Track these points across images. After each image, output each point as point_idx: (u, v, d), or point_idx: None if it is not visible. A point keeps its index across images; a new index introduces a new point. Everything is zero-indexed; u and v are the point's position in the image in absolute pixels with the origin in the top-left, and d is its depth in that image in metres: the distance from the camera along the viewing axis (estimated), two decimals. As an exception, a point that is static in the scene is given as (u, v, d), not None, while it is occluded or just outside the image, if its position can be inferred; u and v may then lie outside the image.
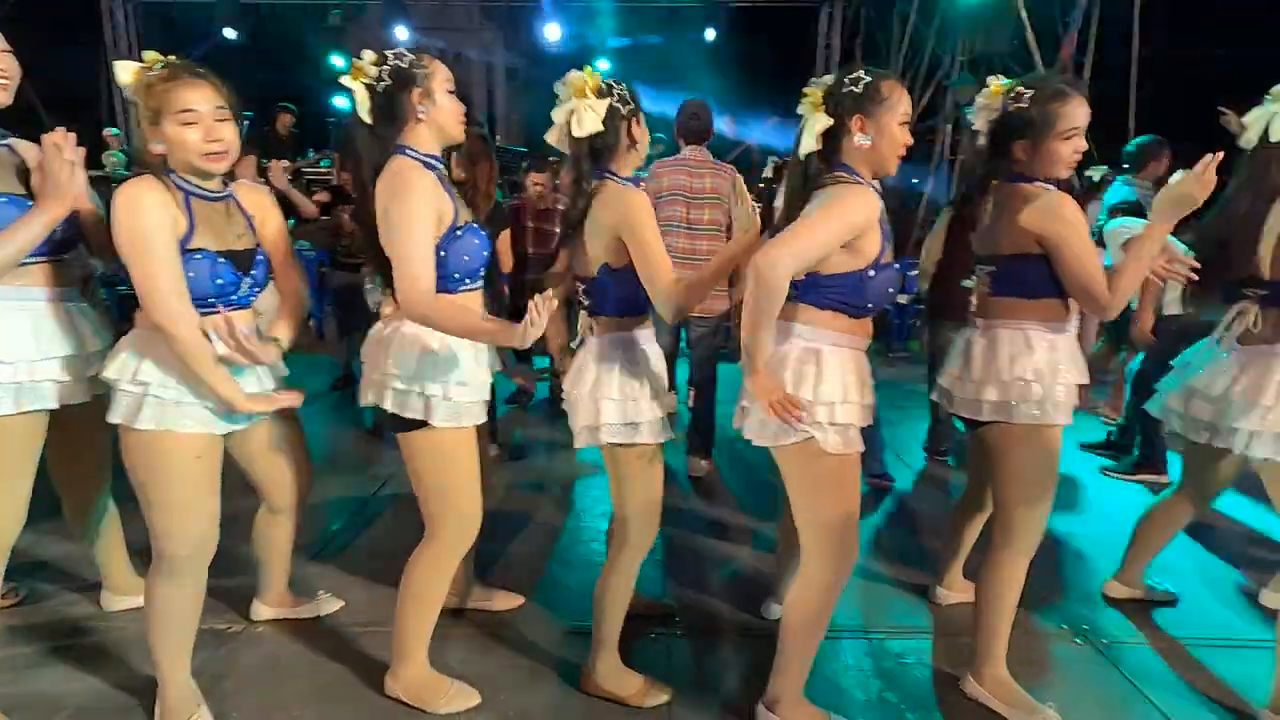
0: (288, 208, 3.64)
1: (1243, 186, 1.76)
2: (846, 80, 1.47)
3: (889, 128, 1.47)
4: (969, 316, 1.81)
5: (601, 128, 1.59)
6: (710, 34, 9.68)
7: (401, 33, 9.59)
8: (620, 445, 1.65)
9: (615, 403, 1.62)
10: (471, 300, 1.65)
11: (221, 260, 1.53)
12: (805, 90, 1.51)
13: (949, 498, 3.15)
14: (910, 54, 8.93)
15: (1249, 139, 1.74)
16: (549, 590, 2.30)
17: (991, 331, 1.71)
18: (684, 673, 1.93)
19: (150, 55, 1.48)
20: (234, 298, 1.58)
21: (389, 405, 1.59)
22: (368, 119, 1.53)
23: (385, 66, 1.51)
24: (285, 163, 6.07)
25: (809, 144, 1.49)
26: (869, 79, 1.46)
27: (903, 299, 6.04)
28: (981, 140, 1.78)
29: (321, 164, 6.71)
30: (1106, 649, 2.05)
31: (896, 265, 1.51)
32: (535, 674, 1.91)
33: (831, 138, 1.49)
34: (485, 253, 1.65)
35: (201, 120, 1.45)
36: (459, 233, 1.56)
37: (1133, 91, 7.46)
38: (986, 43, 7.58)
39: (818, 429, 1.48)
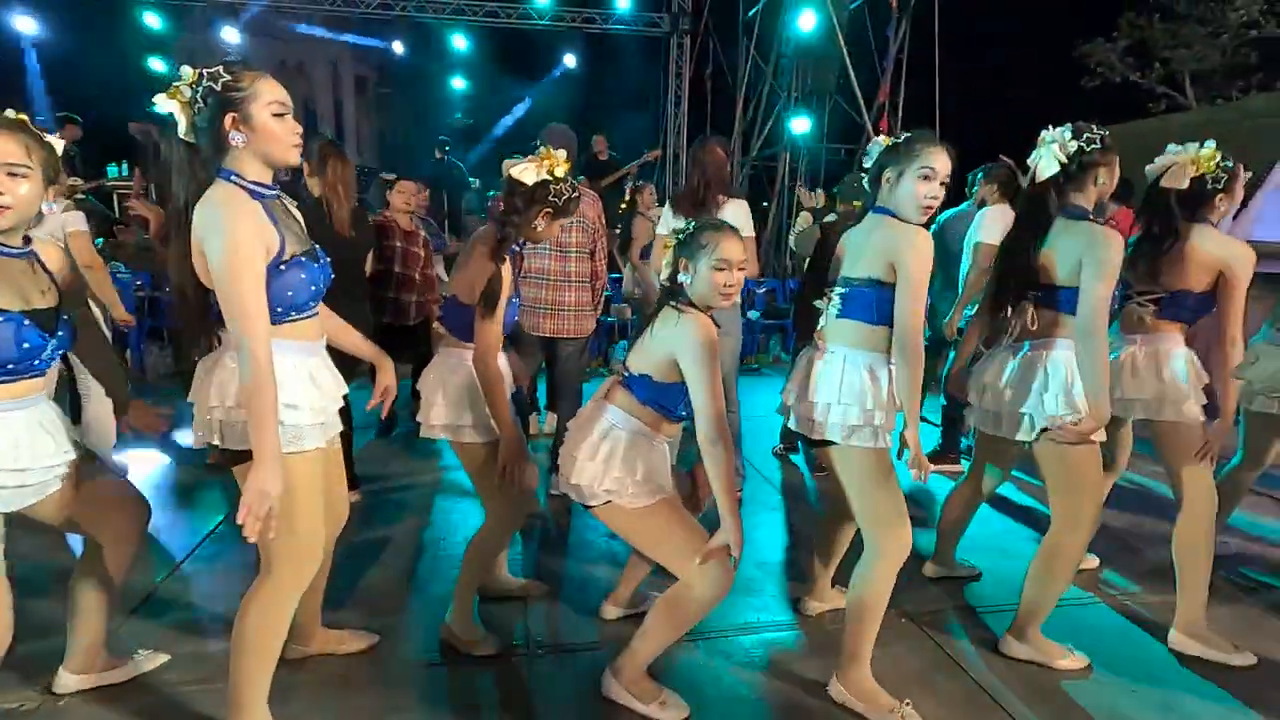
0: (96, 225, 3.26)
1: (1023, 221, 2.03)
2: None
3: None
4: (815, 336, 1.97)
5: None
6: (566, 60, 9.86)
7: (231, 34, 8.90)
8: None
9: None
10: (303, 329, 1.56)
11: (27, 323, 1.45)
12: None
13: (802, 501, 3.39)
14: (753, 86, 9.62)
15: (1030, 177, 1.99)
16: (407, 624, 2.22)
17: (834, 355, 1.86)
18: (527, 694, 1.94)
19: None
20: (38, 363, 1.48)
21: (216, 439, 1.48)
22: (188, 139, 1.41)
23: (200, 87, 1.39)
24: (74, 181, 5.48)
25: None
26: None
27: (752, 314, 6.54)
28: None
29: None
30: (926, 624, 2.30)
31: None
32: (391, 713, 1.83)
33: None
34: (315, 286, 1.55)
35: None
36: (283, 267, 1.46)
37: (938, 128, 8.48)
38: (817, 80, 8.33)
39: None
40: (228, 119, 1.40)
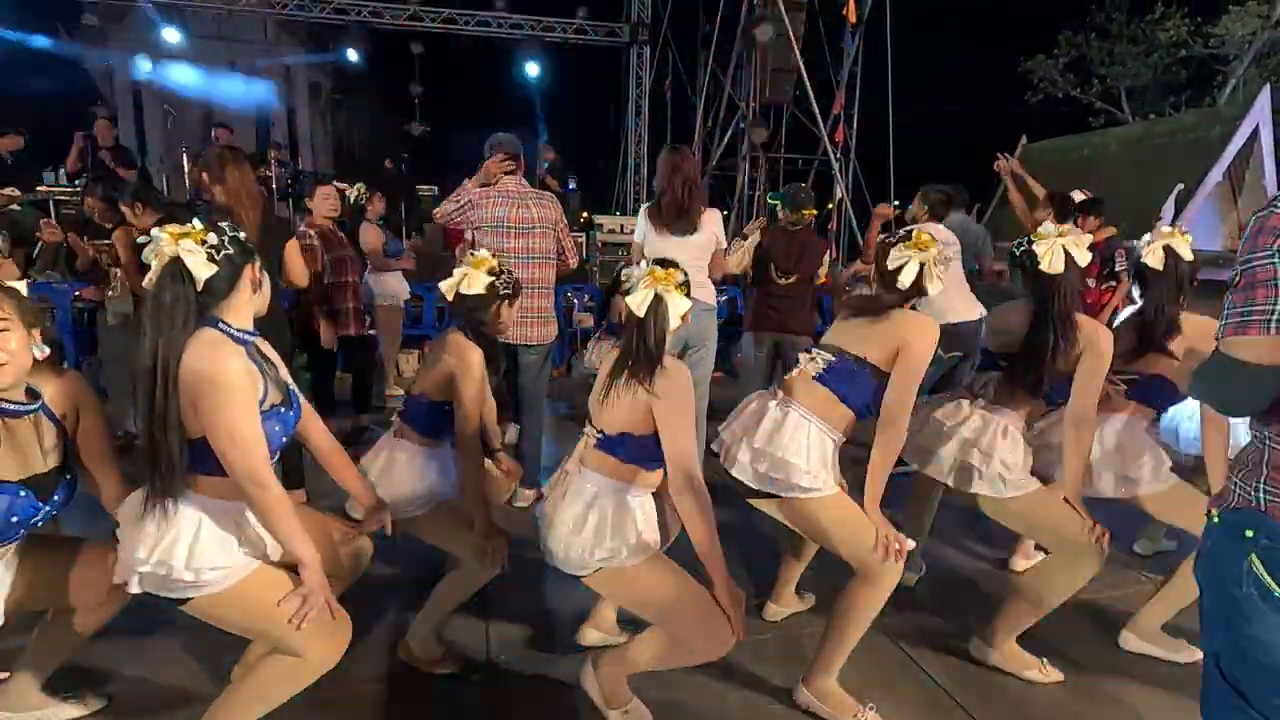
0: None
1: (1046, 320, 1.94)
2: None
3: None
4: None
5: None
6: (529, 69, 9.82)
7: (172, 35, 8.62)
8: None
9: None
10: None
11: (23, 494, 1.44)
12: None
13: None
14: (713, 97, 9.73)
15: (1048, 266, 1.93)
16: (360, 644, 2.15)
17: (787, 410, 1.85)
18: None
19: None
20: (20, 532, 1.47)
21: (135, 588, 1.45)
22: (199, 282, 1.39)
23: (225, 235, 1.43)
24: (10, 191, 5.26)
25: None
26: None
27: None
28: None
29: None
30: (887, 627, 2.32)
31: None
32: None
33: None
34: (285, 437, 1.56)
35: None
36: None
37: (891, 140, 8.70)
38: (775, 91, 8.48)
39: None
40: (254, 267, 1.50)
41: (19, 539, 1.51)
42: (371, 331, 4.57)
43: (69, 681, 1.84)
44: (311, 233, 3.66)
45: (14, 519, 1.41)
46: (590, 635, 2.19)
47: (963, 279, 3.60)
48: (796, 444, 1.80)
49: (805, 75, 8.07)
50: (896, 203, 3.85)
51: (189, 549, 1.41)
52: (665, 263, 1.69)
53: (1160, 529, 2.87)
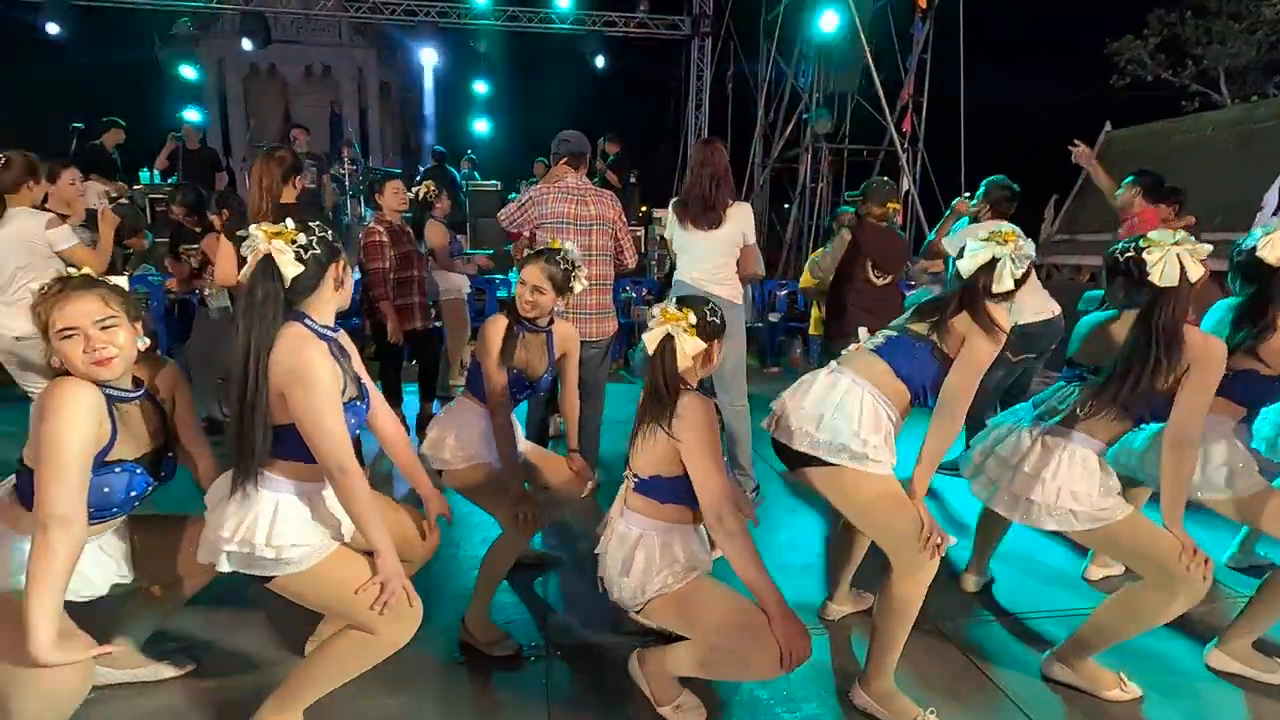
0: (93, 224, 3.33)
1: (1151, 339, 1.77)
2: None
3: None
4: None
5: None
6: (591, 63, 9.88)
7: (252, 45, 9.04)
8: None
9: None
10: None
11: (139, 471, 1.54)
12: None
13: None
14: (774, 89, 9.57)
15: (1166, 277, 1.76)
16: (426, 624, 2.23)
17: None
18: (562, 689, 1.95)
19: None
20: (135, 506, 1.59)
21: (223, 566, 1.54)
22: (287, 279, 1.49)
23: (314, 235, 1.52)
24: (111, 186, 5.57)
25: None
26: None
27: (773, 317, 6.52)
28: None
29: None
30: (950, 632, 2.26)
31: None
32: (409, 708, 1.86)
33: None
34: (358, 429, 1.65)
35: (79, 335, 1.43)
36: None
37: (962, 130, 8.37)
38: (839, 82, 8.28)
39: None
40: (340, 264, 1.59)
41: (131, 510, 1.63)
42: (438, 324, 4.71)
43: (161, 646, 1.98)
44: (380, 229, 3.79)
45: (132, 493, 1.53)
46: (830, 608, 2.30)
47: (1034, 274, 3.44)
48: (847, 406, 1.76)
49: (872, 63, 7.84)
50: (967, 194, 3.69)
51: (268, 529, 1.50)
52: (685, 301, 1.71)
53: (1255, 539, 2.68)
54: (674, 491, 1.69)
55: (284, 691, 1.65)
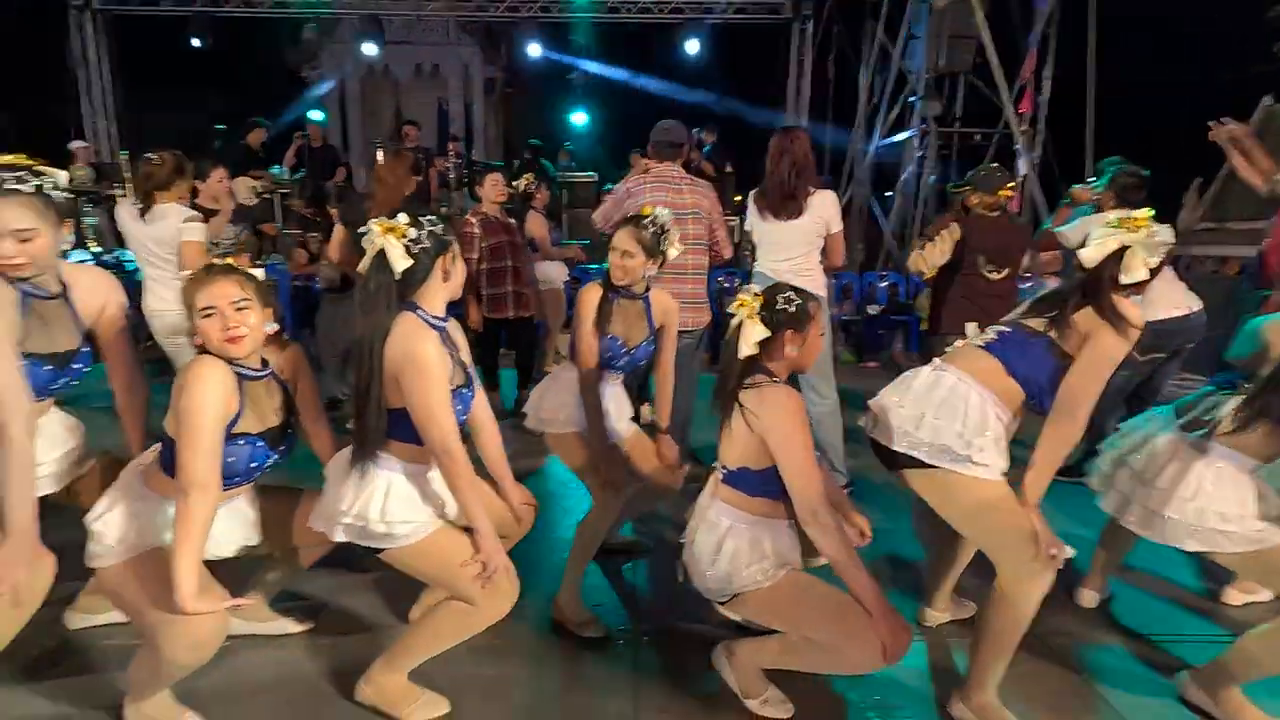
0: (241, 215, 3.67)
1: None
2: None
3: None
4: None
5: None
6: (688, 49, 9.81)
7: (371, 49, 9.58)
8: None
9: None
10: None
11: (260, 444, 1.66)
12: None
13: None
14: (880, 70, 9.16)
15: None
16: (521, 601, 2.32)
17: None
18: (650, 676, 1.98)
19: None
20: (256, 476, 1.72)
21: (340, 536, 1.67)
22: (398, 272, 1.58)
23: (424, 230, 1.60)
24: (257, 181, 6.05)
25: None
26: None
27: (872, 309, 6.25)
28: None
29: None
30: (1060, 647, 2.12)
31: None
32: (502, 680, 1.94)
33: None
34: (464, 415, 1.73)
35: (219, 314, 1.56)
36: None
37: (1090, 110, 7.71)
38: (950, 60, 7.80)
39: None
40: (449, 257, 1.65)
41: (255, 480, 1.79)
42: (530, 314, 4.86)
43: (286, 605, 2.17)
44: (473, 220, 3.95)
45: (253, 464, 1.67)
46: (931, 617, 2.21)
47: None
48: (951, 405, 1.67)
49: (988, 40, 7.34)
50: (1091, 179, 3.38)
51: (382, 505, 1.62)
52: (766, 290, 1.68)
53: None
54: (762, 485, 1.67)
55: (392, 654, 1.78)
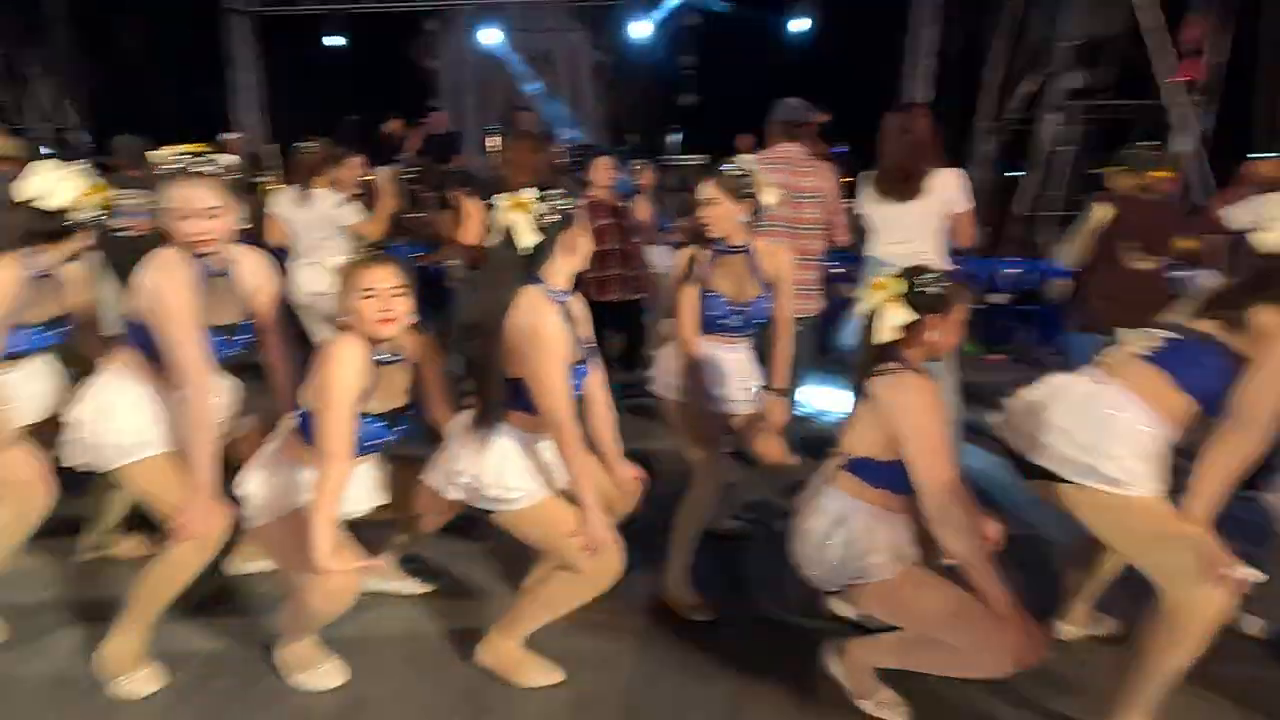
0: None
1: None
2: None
3: None
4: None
5: None
6: (800, 25, 9.48)
7: (489, 36, 9.89)
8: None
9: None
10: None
11: (381, 423, 1.75)
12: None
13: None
14: (1015, 35, 8.43)
15: None
16: (627, 579, 2.36)
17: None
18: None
19: None
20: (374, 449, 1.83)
21: (469, 500, 1.75)
22: (525, 247, 1.63)
23: (550, 204, 1.64)
24: (390, 168, 6.43)
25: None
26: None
27: (997, 298, 5.85)
28: None
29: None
30: (1224, 681, 1.91)
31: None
32: (613, 656, 1.98)
33: None
34: (578, 391, 1.76)
35: (379, 297, 1.65)
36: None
37: (1260, 78, 6.79)
38: (1099, 25, 7.07)
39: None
40: (575, 230, 1.69)
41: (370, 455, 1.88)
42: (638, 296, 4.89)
43: (410, 567, 2.31)
44: (582, 204, 4.03)
45: (370, 442, 1.76)
46: (1067, 631, 2.04)
47: None
48: (1106, 425, 1.53)
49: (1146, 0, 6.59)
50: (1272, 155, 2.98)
51: (497, 470, 1.69)
52: (903, 272, 1.58)
53: None
54: (886, 477, 1.60)
55: (507, 621, 1.86)
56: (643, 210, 4.94)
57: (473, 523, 1.84)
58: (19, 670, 1.88)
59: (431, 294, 5.80)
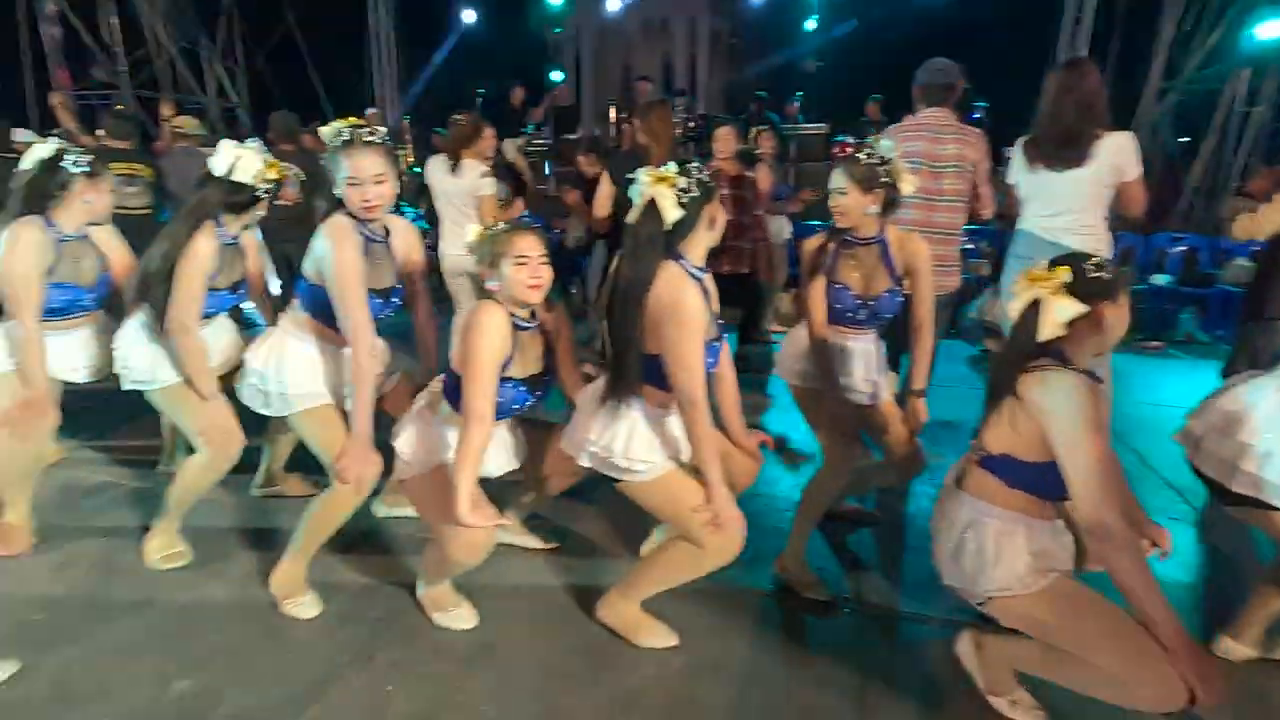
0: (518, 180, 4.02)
1: None
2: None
3: None
4: None
5: None
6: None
7: (614, 3, 9.89)
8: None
9: None
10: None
11: (522, 388, 1.81)
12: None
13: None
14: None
15: None
16: (745, 553, 2.36)
17: None
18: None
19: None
20: (516, 410, 1.89)
21: (589, 464, 1.80)
22: (668, 222, 1.63)
23: (693, 179, 1.63)
24: (519, 140, 6.63)
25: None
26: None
27: (1159, 280, 5.33)
28: None
29: None
30: None
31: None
32: (729, 627, 2.00)
33: None
34: (712, 367, 1.76)
35: (530, 263, 1.72)
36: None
37: None
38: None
39: None
40: (713, 205, 1.67)
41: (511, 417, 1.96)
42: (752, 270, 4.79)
43: (537, 524, 2.42)
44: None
45: (515, 405, 1.85)
46: (1236, 650, 1.86)
47: None
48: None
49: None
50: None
51: (625, 441, 1.72)
52: (1061, 259, 1.43)
53: None
54: (1029, 478, 1.46)
55: (626, 584, 1.92)
56: (764, 179, 4.83)
57: (596, 486, 1.89)
58: (202, 589, 2.15)
59: (556, 264, 5.99)
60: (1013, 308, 1.49)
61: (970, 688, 1.71)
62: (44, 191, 2.10)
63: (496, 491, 1.92)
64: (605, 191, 3.59)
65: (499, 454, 1.93)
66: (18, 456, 2.22)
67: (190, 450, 2.20)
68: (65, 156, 2.11)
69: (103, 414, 3.25)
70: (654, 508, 1.82)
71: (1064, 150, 2.48)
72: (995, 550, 1.47)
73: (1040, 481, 1.44)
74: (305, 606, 2.02)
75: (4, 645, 1.85)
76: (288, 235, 3.96)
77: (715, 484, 1.68)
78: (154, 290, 2.00)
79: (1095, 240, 2.53)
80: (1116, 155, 2.46)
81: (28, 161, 2.11)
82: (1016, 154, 2.68)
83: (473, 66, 10.56)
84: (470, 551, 1.76)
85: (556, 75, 10.68)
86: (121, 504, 2.62)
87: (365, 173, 1.83)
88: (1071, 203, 2.54)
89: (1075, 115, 2.45)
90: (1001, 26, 9.29)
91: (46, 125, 7.70)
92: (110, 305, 2.37)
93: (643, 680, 1.80)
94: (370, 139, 1.84)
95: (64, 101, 6.10)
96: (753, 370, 4.17)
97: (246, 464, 2.31)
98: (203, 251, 1.98)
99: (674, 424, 1.79)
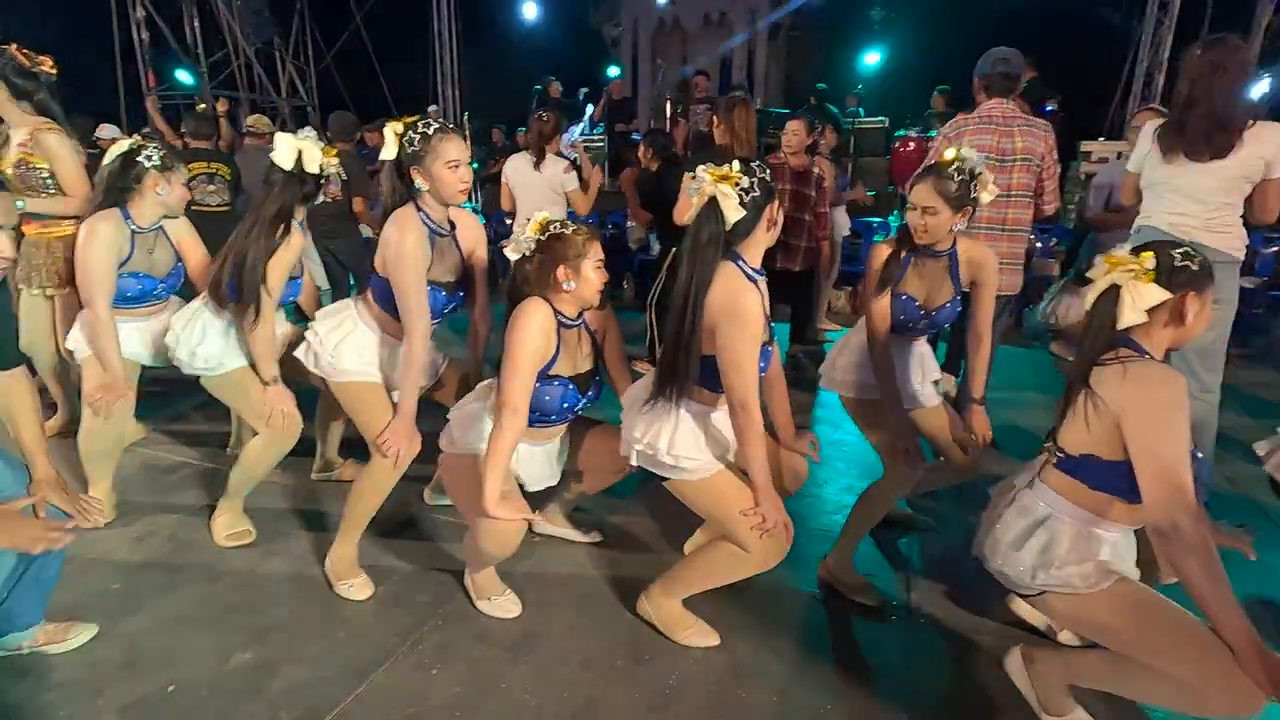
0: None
1: None
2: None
3: None
4: None
5: None
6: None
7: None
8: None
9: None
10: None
11: (571, 387, 1.81)
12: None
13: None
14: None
15: None
16: (789, 556, 2.32)
17: None
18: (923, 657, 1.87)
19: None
20: (569, 416, 1.91)
21: (638, 463, 1.80)
22: (729, 222, 1.60)
23: (755, 179, 1.60)
24: (578, 137, 6.68)
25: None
26: None
27: (1248, 282, 5.02)
28: None
29: None
30: None
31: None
32: (772, 629, 1.97)
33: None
34: (764, 371, 1.74)
35: (593, 269, 1.75)
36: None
37: None
38: None
39: None
40: (773, 207, 1.65)
41: (569, 420, 1.96)
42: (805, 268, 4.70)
43: (579, 517, 2.44)
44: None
45: (565, 404, 1.85)
46: None
47: None
48: None
49: None
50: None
51: (670, 439, 1.71)
52: (1148, 245, 1.35)
53: None
54: (1112, 479, 1.39)
55: (668, 580, 1.91)
56: (829, 175, 4.74)
57: (641, 483, 1.89)
58: (264, 565, 2.25)
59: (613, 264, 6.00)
60: (1088, 295, 1.42)
61: (1023, 700, 1.64)
62: (120, 185, 2.23)
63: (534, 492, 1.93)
64: (687, 201, 3.54)
65: (542, 467, 1.94)
66: (101, 435, 2.37)
67: (253, 434, 2.31)
68: (141, 151, 2.23)
69: (181, 399, 3.45)
70: (702, 509, 1.80)
71: (1212, 140, 2.23)
72: (1068, 549, 1.42)
73: (1124, 483, 1.37)
74: (358, 588, 2.09)
75: (86, 610, 1.97)
76: (331, 231, 4.11)
77: (764, 488, 1.66)
78: (250, 289, 2.09)
79: (1232, 238, 2.31)
80: (1264, 148, 2.21)
81: (109, 157, 2.25)
82: (1144, 141, 2.44)
83: (533, 64, 10.71)
84: (498, 542, 1.77)
85: (613, 70, 10.71)
86: (196, 483, 2.76)
87: (458, 156, 1.89)
88: (1210, 198, 2.29)
89: (1225, 100, 2.20)
90: (1077, 14, 8.84)
91: (135, 123, 8.18)
92: (185, 295, 2.50)
93: (683, 678, 1.80)
94: (452, 127, 1.91)
95: (155, 103, 6.56)
96: (804, 372, 4.10)
97: (305, 449, 2.40)
98: (295, 249, 2.11)
99: (721, 422, 1.78)
